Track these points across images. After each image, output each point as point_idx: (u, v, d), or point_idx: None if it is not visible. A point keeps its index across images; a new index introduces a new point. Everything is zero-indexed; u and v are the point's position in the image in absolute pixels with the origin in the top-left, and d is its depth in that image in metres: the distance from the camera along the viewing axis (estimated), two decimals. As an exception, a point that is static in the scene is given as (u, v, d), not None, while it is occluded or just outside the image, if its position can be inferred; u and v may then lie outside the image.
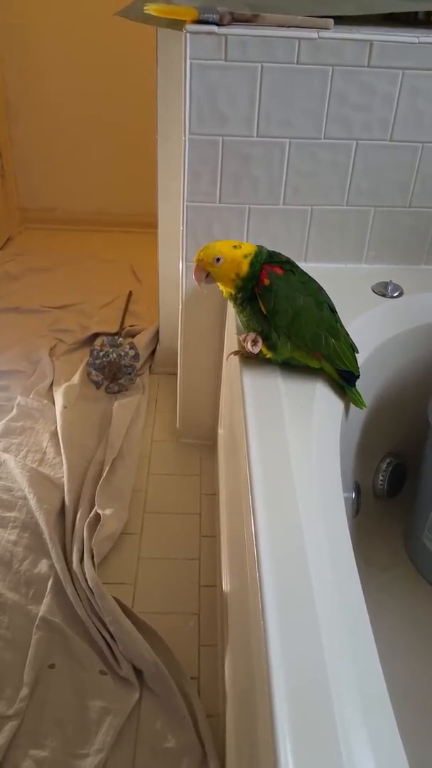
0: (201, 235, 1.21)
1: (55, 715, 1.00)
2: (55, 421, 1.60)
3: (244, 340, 0.92)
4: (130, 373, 1.74)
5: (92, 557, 1.23)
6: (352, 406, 0.97)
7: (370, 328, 1.10)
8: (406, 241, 1.25)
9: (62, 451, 1.49)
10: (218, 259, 0.88)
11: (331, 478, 0.79)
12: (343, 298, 0.98)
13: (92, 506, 1.35)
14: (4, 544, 1.26)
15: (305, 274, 0.93)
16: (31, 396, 1.68)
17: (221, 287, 0.92)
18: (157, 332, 1.87)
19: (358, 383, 0.96)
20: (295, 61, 1.04)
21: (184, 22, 1.02)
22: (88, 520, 1.31)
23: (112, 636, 1.10)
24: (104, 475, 1.42)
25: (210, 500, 1.43)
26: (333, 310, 0.93)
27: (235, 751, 0.82)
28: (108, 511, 1.32)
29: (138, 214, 2.60)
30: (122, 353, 1.73)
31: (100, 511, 1.32)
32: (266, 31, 1.02)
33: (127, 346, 1.76)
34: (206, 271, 0.90)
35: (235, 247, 0.89)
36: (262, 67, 1.04)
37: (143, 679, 1.06)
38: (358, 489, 1.16)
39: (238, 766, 0.77)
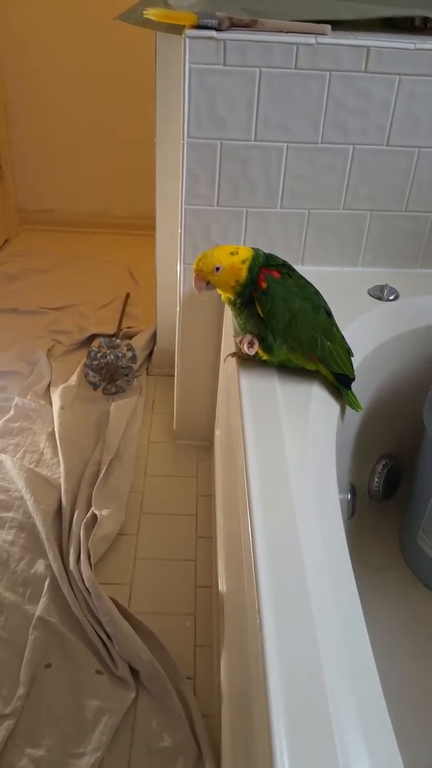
0: (199, 237, 1.22)
1: (51, 714, 1.01)
2: (53, 422, 1.60)
3: (241, 342, 0.92)
4: (127, 375, 1.74)
5: (89, 557, 1.24)
6: (348, 409, 0.97)
7: (366, 331, 1.10)
8: (402, 244, 1.26)
9: (59, 451, 1.50)
10: (217, 268, 0.88)
11: (327, 479, 0.80)
12: (339, 301, 0.99)
13: (89, 507, 1.36)
14: (0, 544, 1.26)
15: (302, 277, 0.94)
16: (28, 397, 1.69)
17: (220, 292, 0.93)
18: (155, 334, 1.87)
19: (354, 385, 0.97)
20: (293, 67, 1.05)
21: (184, 26, 1.02)
22: (84, 520, 1.31)
23: (108, 636, 1.11)
24: (101, 475, 1.42)
25: (206, 501, 1.44)
26: (329, 314, 0.94)
27: (230, 750, 0.83)
28: (105, 512, 1.33)
29: (136, 216, 2.60)
30: (120, 354, 1.73)
31: (96, 512, 1.33)
32: (265, 36, 1.02)
33: (125, 348, 1.77)
34: (206, 280, 0.90)
35: (232, 253, 0.88)
36: (260, 72, 1.05)
37: (139, 678, 1.07)
38: (353, 491, 1.16)
39: (234, 766, 0.78)
